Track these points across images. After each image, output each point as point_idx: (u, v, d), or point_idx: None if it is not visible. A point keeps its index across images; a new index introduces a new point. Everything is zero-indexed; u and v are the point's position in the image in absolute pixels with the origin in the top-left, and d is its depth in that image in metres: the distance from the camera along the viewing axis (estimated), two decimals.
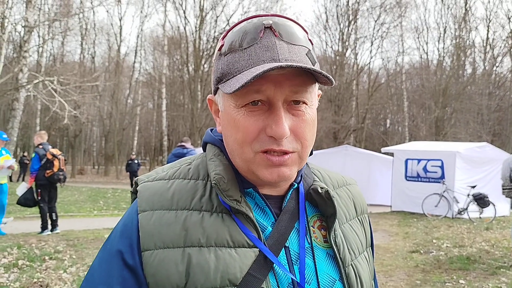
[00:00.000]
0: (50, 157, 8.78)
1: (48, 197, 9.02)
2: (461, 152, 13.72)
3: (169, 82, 36.66)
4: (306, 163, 1.02)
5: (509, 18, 33.42)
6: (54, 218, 9.07)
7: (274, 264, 0.85)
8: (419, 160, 14.59)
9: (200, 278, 0.80)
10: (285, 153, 0.83)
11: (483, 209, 12.89)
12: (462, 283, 6.18)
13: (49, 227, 9.03)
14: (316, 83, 0.87)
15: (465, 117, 32.56)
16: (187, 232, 0.84)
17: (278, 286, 0.84)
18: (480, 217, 13.08)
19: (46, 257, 6.75)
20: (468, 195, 13.12)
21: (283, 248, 0.88)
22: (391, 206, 15.24)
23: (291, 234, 0.89)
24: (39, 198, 8.83)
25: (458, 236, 10.05)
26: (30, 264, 6.35)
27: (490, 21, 34.77)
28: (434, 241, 9.36)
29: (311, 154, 0.95)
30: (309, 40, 0.88)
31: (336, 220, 0.94)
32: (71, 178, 31.94)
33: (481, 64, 36.48)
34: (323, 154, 18.09)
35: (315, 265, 0.89)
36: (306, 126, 0.86)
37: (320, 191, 0.93)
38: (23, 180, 23.93)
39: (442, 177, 13.88)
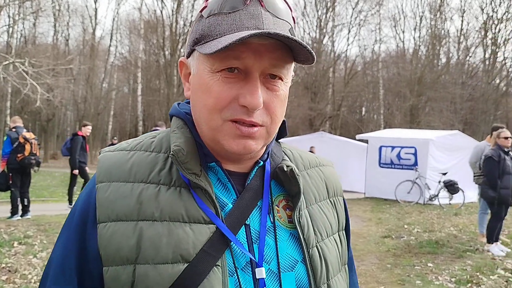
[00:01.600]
0: (22, 140, 8.57)
1: (20, 181, 8.82)
2: (434, 140, 14.01)
3: (145, 67, 36.11)
4: (278, 142, 1.01)
5: (482, 10, 34.02)
6: (25, 203, 8.88)
7: (232, 242, 0.83)
8: (393, 147, 14.82)
9: (151, 253, 0.79)
10: (254, 125, 0.82)
11: (453, 195, 13.25)
12: (430, 266, 6.35)
13: (20, 212, 8.85)
14: (293, 62, 0.85)
15: (439, 106, 33.17)
16: (141, 205, 0.82)
17: (234, 264, 0.82)
18: (449, 203, 13.44)
19: (15, 242, 6.62)
20: (439, 182, 13.44)
21: (244, 227, 0.86)
22: (364, 192, 15.48)
23: (253, 212, 0.87)
24: (11, 182, 8.64)
25: (429, 221, 10.30)
26: None
27: (464, 11, 35.36)
28: (406, 226, 9.57)
29: (285, 133, 0.94)
30: (293, 17, 0.86)
31: (302, 200, 0.93)
32: (44, 163, 31.27)
33: (455, 54, 37.17)
34: (299, 140, 18.21)
35: (276, 244, 0.87)
36: (279, 102, 0.84)
37: (285, 169, 0.91)
38: None
39: (415, 164, 14.15)
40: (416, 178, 13.81)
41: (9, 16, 30.37)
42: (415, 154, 14.25)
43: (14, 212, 8.78)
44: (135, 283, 0.78)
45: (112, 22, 39.03)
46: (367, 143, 15.80)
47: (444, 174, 13.38)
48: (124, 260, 0.79)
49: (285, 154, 1.00)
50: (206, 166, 0.88)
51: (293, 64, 0.86)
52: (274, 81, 0.83)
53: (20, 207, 8.85)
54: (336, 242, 0.98)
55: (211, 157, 0.88)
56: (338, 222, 1.01)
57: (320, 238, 0.93)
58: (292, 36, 0.76)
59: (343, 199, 1.06)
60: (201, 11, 0.85)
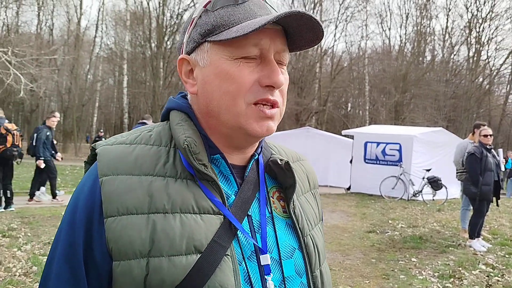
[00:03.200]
0: (3, 132, 8.44)
1: (3, 173, 8.69)
2: (418, 136, 14.17)
3: (131, 58, 35.71)
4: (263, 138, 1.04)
5: (467, 8, 34.42)
6: (8, 195, 8.75)
7: (238, 232, 0.85)
8: (378, 143, 14.94)
9: (165, 245, 0.79)
10: (274, 105, 0.87)
11: (436, 191, 13.44)
12: (414, 261, 6.46)
13: (3, 204, 8.73)
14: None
15: (423, 103, 33.54)
16: (151, 198, 0.82)
17: (242, 253, 0.85)
18: (433, 199, 13.63)
19: None
20: (423, 178, 13.63)
21: (246, 217, 0.89)
22: (349, 187, 15.61)
23: (253, 203, 0.91)
24: None
25: (412, 217, 10.45)
26: None
27: (449, 10, 35.74)
28: (390, 221, 9.70)
29: None
30: None
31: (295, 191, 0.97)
32: (27, 155, 30.84)
33: (440, 51, 37.59)
34: (285, 135, 18.24)
35: (275, 234, 0.91)
36: (286, 85, 0.90)
37: (280, 162, 0.96)
38: None
39: (400, 160, 14.31)
40: (401, 174, 13.97)
41: None
42: (399, 150, 14.40)
43: None
44: (149, 275, 0.78)
45: (98, 12, 38.56)
46: (353, 138, 15.91)
47: (428, 170, 13.56)
48: (137, 254, 0.79)
49: (271, 149, 1.05)
50: (210, 158, 0.90)
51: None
52: (282, 66, 0.89)
53: (3, 199, 8.73)
54: (320, 231, 1.04)
55: (215, 149, 0.90)
56: (319, 212, 1.08)
57: (311, 227, 0.99)
58: (316, 18, 0.83)
59: (318, 191, 1.14)
60: (204, 6, 0.88)
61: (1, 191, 8.69)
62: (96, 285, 0.82)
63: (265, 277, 0.86)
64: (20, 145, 8.75)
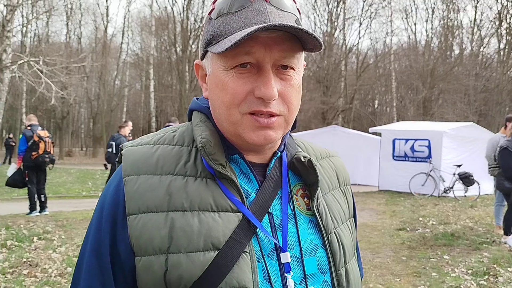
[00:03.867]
0: (36, 139, 8.71)
1: (36, 178, 8.97)
2: (447, 132, 13.87)
3: (157, 63, 36.26)
4: (290, 135, 1.04)
5: None
6: (42, 200, 9.05)
7: (258, 229, 0.86)
8: (406, 140, 14.71)
9: (183, 242, 0.82)
10: (272, 115, 0.85)
11: (468, 187, 13.12)
12: (446, 258, 6.33)
13: (38, 208, 9.01)
14: (303, 52, 0.88)
15: (452, 98, 32.78)
16: (170, 196, 0.85)
17: (261, 250, 0.85)
18: (465, 196, 13.32)
19: (35, 238, 6.75)
20: (454, 174, 13.33)
21: (267, 214, 0.89)
22: (378, 185, 15.42)
23: (274, 201, 0.91)
24: (27, 179, 8.79)
25: (444, 214, 10.24)
26: (19, 244, 6.36)
27: (478, 1, 34.79)
28: (420, 219, 9.53)
29: (294, 126, 0.97)
30: (297, 9, 0.89)
31: (319, 188, 0.97)
32: (59, 160, 31.64)
33: (468, 45, 36.62)
34: (311, 134, 18.16)
35: (297, 231, 0.91)
36: (293, 91, 0.87)
37: (303, 160, 0.95)
38: (9, 162, 23.69)
39: (429, 156, 14.04)
40: (430, 171, 13.71)
41: (22, 16, 30.72)
42: (429, 147, 14.13)
43: (32, 208, 8.95)
44: (168, 271, 0.81)
45: (124, 19, 39.33)
46: (380, 136, 15.71)
47: (459, 166, 13.26)
48: (157, 250, 0.82)
49: (298, 146, 1.05)
50: (229, 157, 0.91)
51: (303, 53, 0.90)
52: (286, 71, 0.86)
53: (37, 203, 9.02)
54: (349, 228, 1.03)
55: (233, 149, 0.91)
56: (349, 210, 1.06)
57: (337, 224, 0.98)
58: (297, 26, 0.79)
59: (350, 187, 1.12)
60: (209, 13, 0.89)
61: (36, 195, 8.97)
62: (121, 279, 0.85)
63: (285, 275, 0.86)
64: (51, 152, 9.00)
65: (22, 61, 16.52)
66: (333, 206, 1.00)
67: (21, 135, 9.06)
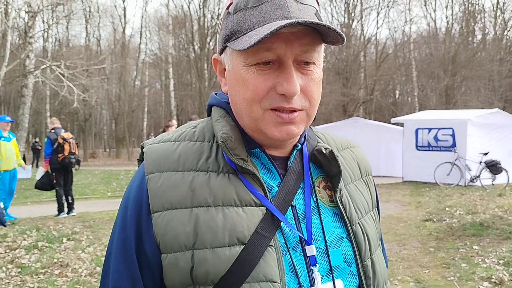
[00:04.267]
0: (61, 141, 8.87)
1: (64, 180, 9.15)
2: (472, 120, 13.59)
3: (176, 62, 36.54)
4: (310, 127, 1.03)
5: None
6: (70, 201, 9.23)
7: (282, 223, 0.86)
8: (429, 129, 14.48)
9: (208, 237, 0.82)
10: (294, 110, 0.84)
11: (496, 175, 12.83)
12: (475, 249, 6.21)
13: (66, 209, 9.20)
14: (323, 44, 0.86)
15: (476, 85, 32.08)
16: (194, 192, 0.85)
17: (286, 244, 0.85)
18: (493, 184, 13.03)
19: (64, 239, 6.89)
20: (480, 162, 13.05)
21: (290, 208, 0.89)
22: (402, 176, 15.23)
23: (297, 193, 0.91)
24: (55, 181, 8.98)
25: (471, 203, 10.04)
26: (49, 245, 6.50)
27: None
28: (447, 209, 9.37)
29: (314, 118, 0.96)
30: (316, 1, 0.88)
31: (341, 180, 0.96)
32: (83, 162, 32.24)
33: (491, 29, 35.73)
34: (333, 127, 18.04)
35: (321, 223, 0.90)
36: (315, 85, 0.86)
37: (324, 151, 0.95)
38: (36, 165, 24.24)
39: (454, 145, 13.79)
40: (456, 160, 13.46)
41: (43, 22, 31.32)
42: (452, 135, 13.87)
43: (60, 210, 9.14)
44: (195, 267, 0.81)
45: (141, 20, 39.55)
46: (403, 126, 15.50)
47: (485, 154, 12.96)
48: (182, 247, 0.82)
49: (318, 138, 1.04)
50: (250, 152, 0.91)
51: (323, 46, 0.88)
52: (307, 66, 0.85)
53: (65, 205, 9.20)
54: (373, 219, 1.02)
55: (254, 143, 0.91)
56: (372, 200, 1.05)
57: (361, 215, 0.97)
58: (321, 22, 0.78)
59: (372, 177, 1.10)
60: (227, 8, 0.87)
61: (63, 197, 9.15)
62: (149, 277, 0.86)
63: (311, 267, 0.86)
64: (76, 152, 9.16)
65: (44, 66, 16.87)
66: (356, 197, 0.99)
67: (46, 139, 9.25)
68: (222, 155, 0.89)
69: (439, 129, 14.23)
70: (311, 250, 0.87)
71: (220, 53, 0.92)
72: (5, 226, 7.60)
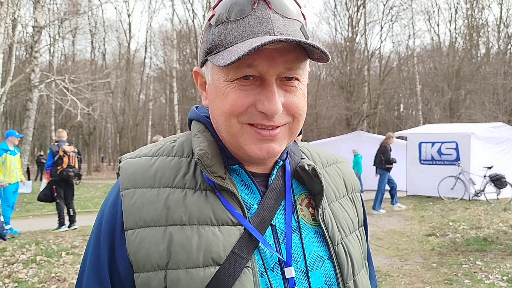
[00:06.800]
0: (61, 153, 8.89)
1: (64, 193, 9.13)
2: (475, 133, 13.51)
3: (180, 76, 36.71)
4: (294, 141, 1.00)
5: None
6: (71, 214, 9.20)
7: (260, 243, 0.82)
8: (433, 143, 14.41)
9: (182, 257, 0.78)
10: (277, 126, 0.81)
11: (500, 190, 12.70)
12: (479, 264, 6.11)
13: (67, 223, 9.16)
14: (308, 59, 0.84)
15: (480, 98, 31.99)
16: (169, 210, 0.82)
17: (264, 265, 0.82)
18: (497, 198, 12.88)
19: (63, 253, 6.85)
20: (485, 176, 12.93)
21: (270, 227, 0.85)
22: (406, 190, 15.11)
23: (277, 212, 0.87)
24: (55, 194, 8.97)
25: (475, 218, 9.92)
26: (48, 259, 6.46)
27: None
28: (451, 223, 9.26)
29: (300, 133, 0.93)
30: (302, 14, 0.84)
31: (324, 198, 0.92)
32: (87, 175, 32.32)
33: (495, 43, 35.75)
34: (336, 140, 18.02)
35: (302, 243, 0.87)
36: (299, 102, 0.83)
37: (306, 168, 0.91)
38: (40, 179, 24.31)
39: (457, 159, 13.69)
40: (459, 174, 13.34)
41: (49, 36, 31.65)
42: (456, 149, 13.78)
43: (61, 223, 9.10)
44: None
45: (146, 34, 39.85)
46: (406, 140, 15.43)
47: (490, 168, 12.85)
48: (155, 266, 0.79)
49: (303, 153, 1.00)
50: (230, 168, 0.88)
51: (308, 61, 0.85)
52: (291, 82, 0.82)
53: (66, 218, 9.17)
54: (358, 238, 0.98)
55: (234, 159, 0.88)
56: (358, 218, 1.01)
57: (344, 235, 0.93)
58: (304, 41, 0.74)
59: (360, 195, 1.06)
60: (209, 19, 0.84)
61: (64, 210, 9.13)
62: None
63: None
64: (76, 166, 9.12)
65: (49, 80, 16.99)
66: (340, 216, 0.95)
67: (49, 151, 9.30)
68: (200, 172, 0.86)
69: (442, 142, 14.15)
70: (289, 272, 0.83)
71: (201, 66, 0.90)
72: (4, 240, 7.61)
